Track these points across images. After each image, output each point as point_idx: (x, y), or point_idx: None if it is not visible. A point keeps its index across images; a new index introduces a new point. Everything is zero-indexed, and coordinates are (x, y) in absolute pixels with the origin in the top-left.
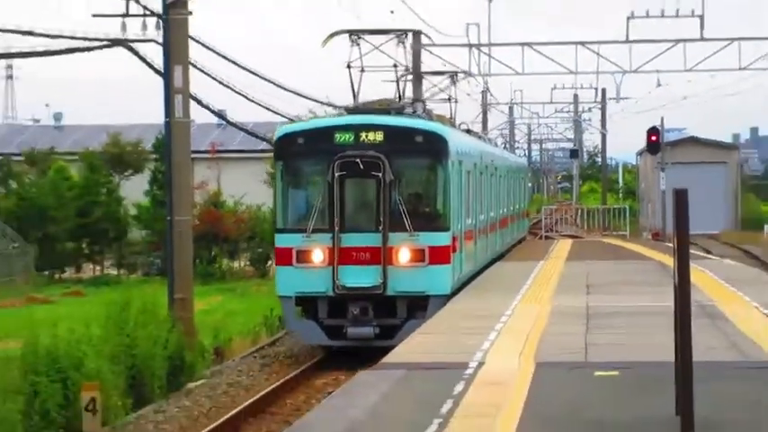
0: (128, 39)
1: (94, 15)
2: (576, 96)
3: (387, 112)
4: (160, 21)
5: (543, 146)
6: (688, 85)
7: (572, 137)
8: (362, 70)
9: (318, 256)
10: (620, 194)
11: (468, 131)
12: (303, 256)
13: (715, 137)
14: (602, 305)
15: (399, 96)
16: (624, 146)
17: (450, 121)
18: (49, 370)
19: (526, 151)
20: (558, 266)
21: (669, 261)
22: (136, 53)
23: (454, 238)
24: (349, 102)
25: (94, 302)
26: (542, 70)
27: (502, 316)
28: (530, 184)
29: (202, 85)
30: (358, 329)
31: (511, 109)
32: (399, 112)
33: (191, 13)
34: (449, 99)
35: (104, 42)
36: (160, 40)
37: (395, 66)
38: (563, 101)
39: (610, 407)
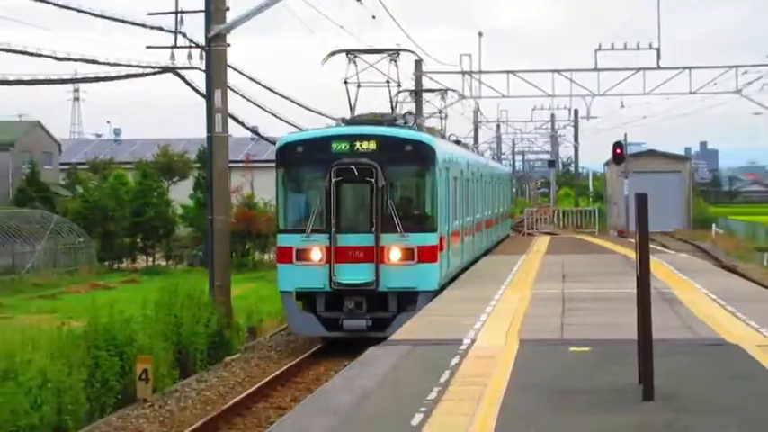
0: (176, 66)
1: (148, 47)
2: (552, 116)
3: (380, 123)
4: (203, 52)
5: (525, 157)
6: (647, 106)
7: (550, 149)
8: (359, 86)
9: (317, 254)
10: (590, 198)
11: (458, 142)
12: (303, 255)
13: (670, 150)
14: (576, 291)
15: (392, 109)
16: (594, 157)
17: (441, 133)
18: (108, 345)
19: (511, 161)
20: (538, 259)
21: (632, 254)
22: (183, 78)
23: (441, 239)
24: (346, 114)
25: (148, 288)
26: (524, 93)
27: (491, 300)
28: (513, 189)
29: (238, 105)
30: (353, 322)
31: (498, 126)
32: (391, 123)
33: (229, 45)
34: (440, 113)
35: (157, 69)
36: (203, 67)
37: (387, 82)
38: (542, 119)
39: (583, 377)
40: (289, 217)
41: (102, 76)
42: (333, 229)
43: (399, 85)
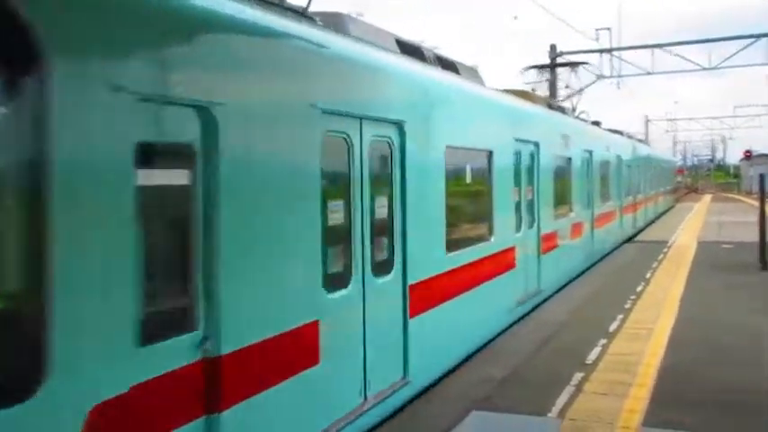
0: None
1: None
2: (712, 140)
3: None
4: None
5: (699, 159)
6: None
7: (710, 154)
8: None
9: None
10: (732, 176)
11: (620, 133)
12: None
13: None
14: (726, 220)
15: None
16: (735, 157)
17: (557, 105)
18: None
19: (692, 161)
20: (706, 205)
21: (754, 203)
22: None
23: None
24: None
25: None
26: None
27: (681, 223)
28: (675, 174)
29: None
30: None
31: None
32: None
33: None
34: (566, 87)
35: None
36: None
37: None
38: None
39: (729, 258)
40: None
41: None
42: None
43: None
